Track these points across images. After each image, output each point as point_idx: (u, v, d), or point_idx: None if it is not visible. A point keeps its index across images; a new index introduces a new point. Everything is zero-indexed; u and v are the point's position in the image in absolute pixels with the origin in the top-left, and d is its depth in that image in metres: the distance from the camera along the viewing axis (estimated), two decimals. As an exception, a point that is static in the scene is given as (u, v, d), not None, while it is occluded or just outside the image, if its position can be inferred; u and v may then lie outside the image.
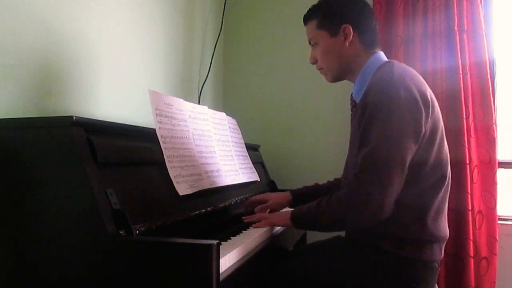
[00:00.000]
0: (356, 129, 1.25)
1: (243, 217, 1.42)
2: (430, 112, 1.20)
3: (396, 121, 1.14)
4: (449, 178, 1.28)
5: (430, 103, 1.20)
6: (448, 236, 1.29)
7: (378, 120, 1.15)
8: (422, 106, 1.17)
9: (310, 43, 1.42)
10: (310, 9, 1.41)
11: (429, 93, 1.24)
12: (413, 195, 1.19)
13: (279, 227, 1.48)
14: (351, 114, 1.41)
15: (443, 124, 1.29)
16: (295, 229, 1.68)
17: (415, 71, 1.29)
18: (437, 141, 1.23)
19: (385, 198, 1.11)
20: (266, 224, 1.37)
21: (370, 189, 1.11)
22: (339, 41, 1.34)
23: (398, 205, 1.17)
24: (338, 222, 1.22)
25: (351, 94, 1.41)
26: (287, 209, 1.52)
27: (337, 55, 1.36)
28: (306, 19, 1.42)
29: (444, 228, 1.27)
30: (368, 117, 1.17)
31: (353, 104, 1.41)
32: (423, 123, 1.17)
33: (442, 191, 1.25)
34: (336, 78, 1.42)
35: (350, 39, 1.33)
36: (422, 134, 1.17)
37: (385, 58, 1.36)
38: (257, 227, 1.36)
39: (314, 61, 1.43)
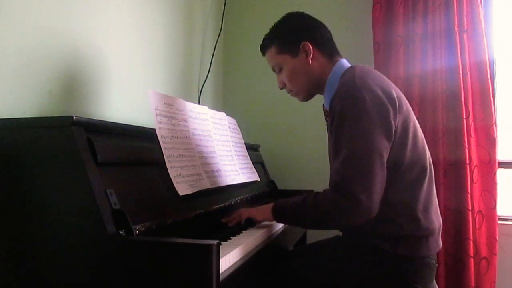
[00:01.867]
0: (332, 138, 1.27)
1: (222, 220, 1.41)
2: (398, 108, 1.22)
3: (364, 122, 1.16)
4: (430, 169, 1.30)
5: (396, 100, 1.22)
6: (441, 226, 1.31)
7: (347, 124, 1.17)
8: (388, 104, 1.19)
9: (274, 70, 1.45)
10: (264, 39, 1.44)
11: (395, 91, 1.26)
12: (398, 192, 1.21)
13: (279, 227, 1.48)
14: (327, 124, 1.43)
15: (415, 119, 1.32)
16: (295, 229, 1.69)
17: (378, 72, 1.33)
18: (411, 135, 1.25)
19: (372, 198, 1.12)
20: (246, 215, 1.38)
21: (357, 193, 1.11)
22: (302, 60, 1.37)
23: (387, 204, 1.18)
24: (324, 222, 1.23)
25: (323, 105, 1.44)
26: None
27: (304, 73, 1.39)
28: (264, 48, 1.44)
29: (437, 219, 1.29)
30: (337, 124, 1.19)
31: (326, 113, 1.44)
32: (392, 120, 1.19)
33: (426, 183, 1.26)
34: (307, 96, 1.45)
35: (312, 55, 1.36)
36: (394, 130, 1.19)
37: (347, 65, 1.38)
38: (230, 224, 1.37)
39: (283, 86, 1.45)
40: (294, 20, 1.42)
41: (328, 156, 1.40)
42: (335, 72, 1.35)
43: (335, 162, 1.18)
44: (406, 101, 1.30)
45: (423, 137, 1.33)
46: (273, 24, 1.44)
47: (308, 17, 1.43)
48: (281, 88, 1.47)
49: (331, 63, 1.38)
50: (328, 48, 1.39)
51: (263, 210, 1.36)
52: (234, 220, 1.39)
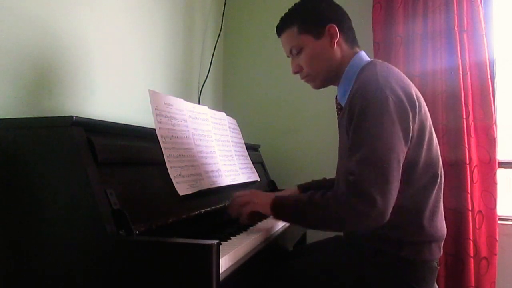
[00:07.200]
0: (344, 134, 1.23)
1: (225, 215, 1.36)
2: (417, 112, 1.18)
3: (386, 123, 1.11)
4: (441, 177, 1.27)
5: (416, 103, 1.18)
6: (445, 234, 1.29)
7: (368, 124, 1.12)
8: (408, 107, 1.15)
9: (291, 52, 1.36)
10: (283, 18, 1.36)
11: (415, 92, 1.22)
12: (407, 197, 1.17)
13: (278, 227, 1.48)
14: (338, 117, 1.39)
15: (431, 122, 1.27)
16: (295, 230, 1.69)
17: (397, 70, 1.27)
18: (426, 140, 1.21)
19: (387, 203, 1.07)
20: (247, 211, 1.30)
21: (374, 195, 1.06)
22: (326, 43, 1.30)
23: (394, 209, 1.13)
24: (331, 224, 1.16)
25: (336, 97, 1.39)
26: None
27: (326, 57, 1.32)
28: (283, 28, 1.36)
29: (441, 227, 1.27)
30: (357, 122, 1.14)
31: (339, 107, 1.38)
32: (411, 123, 1.15)
33: (436, 190, 1.24)
34: (323, 83, 1.38)
35: (337, 39, 1.30)
36: (411, 134, 1.16)
37: (367, 58, 1.34)
38: (242, 223, 1.32)
39: (299, 70, 1.37)
40: (319, 1, 1.34)
41: (338, 153, 1.36)
42: (354, 64, 1.30)
43: (350, 160, 1.13)
44: (424, 103, 1.26)
45: (437, 143, 1.29)
46: (294, 3, 1.36)
47: (333, 1, 1.36)
48: (295, 73, 1.38)
49: (352, 53, 1.32)
50: (350, 36, 1.34)
51: (262, 202, 1.27)
52: (235, 213, 1.34)
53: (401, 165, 1.12)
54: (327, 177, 1.69)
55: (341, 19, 1.33)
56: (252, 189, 1.53)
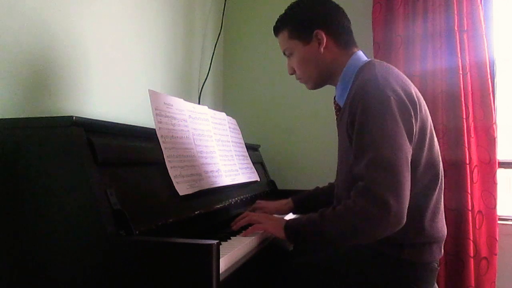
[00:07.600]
0: (344, 135, 1.22)
1: (231, 225, 1.34)
2: (418, 111, 1.17)
3: (389, 124, 1.09)
4: (442, 177, 1.26)
5: (417, 102, 1.17)
6: (446, 234, 1.28)
7: (372, 125, 1.10)
8: (410, 106, 1.14)
9: (284, 53, 1.39)
10: (278, 20, 1.37)
11: (415, 91, 1.21)
12: (409, 198, 1.13)
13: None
14: (336, 118, 1.38)
15: (431, 122, 1.26)
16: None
17: (396, 69, 1.26)
18: (427, 140, 1.20)
19: (402, 204, 1.04)
20: (258, 229, 1.27)
21: (386, 197, 1.02)
22: (314, 48, 1.31)
23: None
24: (349, 234, 1.10)
25: (334, 98, 1.39)
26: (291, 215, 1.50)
27: (314, 63, 1.32)
28: (277, 30, 1.38)
29: (442, 227, 1.26)
30: (360, 124, 1.12)
31: (337, 107, 1.37)
32: (413, 122, 1.14)
33: (437, 191, 1.23)
34: (317, 85, 1.39)
35: (324, 44, 1.30)
36: (414, 134, 1.14)
37: (364, 58, 1.33)
38: (245, 235, 1.26)
39: (292, 72, 1.39)
40: (310, 4, 1.34)
41: (338, 155, 1.34)
42: (351, 65, 1.29)
43: (357, 165, 1.10)
44: (424, 103, 1.25)
45: (438, 145, 1.28)
46: (288, 5, 1.37)
47: (327, 1, 1.35)
48: (290, 74, 1.41)
49: (347, 54, 1.31)
50: (344, 38, 1.32)
51: (275, 225, 1.24)
52: (241, 223, 1.34)
53: (410, 164, 1.10)
54: (327, 177, 1.69)
55: (330, 22, 1.31)
56: (262, 213, 1.51)
